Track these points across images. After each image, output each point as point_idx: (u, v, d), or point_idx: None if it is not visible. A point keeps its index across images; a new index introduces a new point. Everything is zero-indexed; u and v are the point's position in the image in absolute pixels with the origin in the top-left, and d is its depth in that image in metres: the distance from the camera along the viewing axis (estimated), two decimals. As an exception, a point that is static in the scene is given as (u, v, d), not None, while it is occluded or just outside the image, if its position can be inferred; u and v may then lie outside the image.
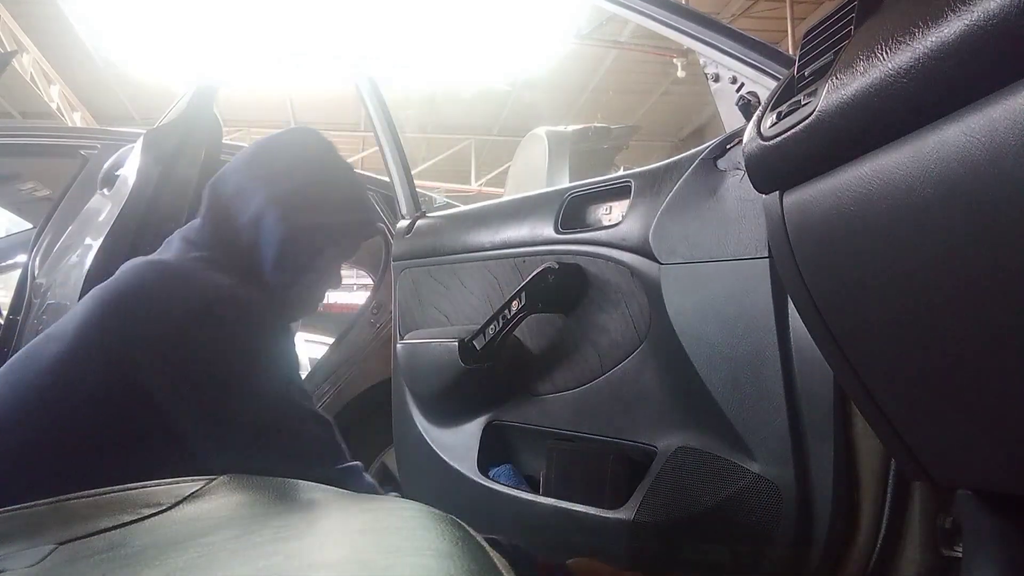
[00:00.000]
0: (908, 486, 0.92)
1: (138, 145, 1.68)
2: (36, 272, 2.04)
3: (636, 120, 8.81)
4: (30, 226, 2.77)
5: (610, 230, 1.25)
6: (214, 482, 0.62)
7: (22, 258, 2.43)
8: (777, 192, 0.77)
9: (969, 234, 0.55)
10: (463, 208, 1.83)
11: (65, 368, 0.95)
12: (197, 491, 0.60)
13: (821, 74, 0.68)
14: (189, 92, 1.81)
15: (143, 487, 0.61)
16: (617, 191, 1.30)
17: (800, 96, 0.70)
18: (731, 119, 1.12)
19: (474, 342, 1.42)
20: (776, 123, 0.73)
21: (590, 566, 1.06)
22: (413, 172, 2.02)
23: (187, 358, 0.96)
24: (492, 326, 1.39)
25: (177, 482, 0.62)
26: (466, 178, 10.37)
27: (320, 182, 1.14)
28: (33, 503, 0.58)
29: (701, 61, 1.17)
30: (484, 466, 1.48)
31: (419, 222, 1.79)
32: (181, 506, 0.57)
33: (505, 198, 1.71)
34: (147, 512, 0.55)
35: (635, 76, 8.52)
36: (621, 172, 1.32)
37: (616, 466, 1.24)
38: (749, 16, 7.32)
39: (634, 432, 1.22)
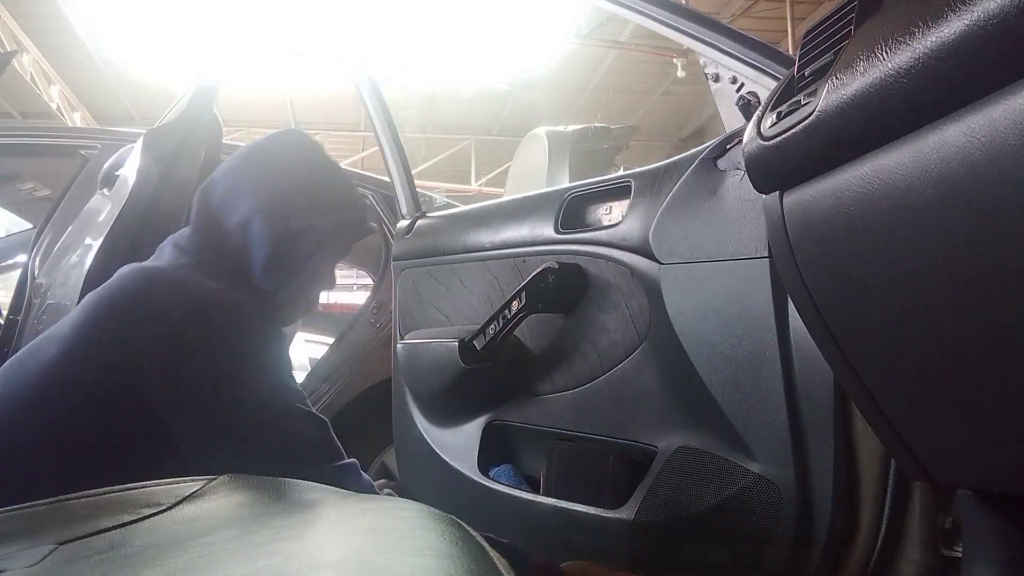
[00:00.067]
0: (908, 486, 0.92)
1: (138, 145, 1.68)
2: (36, 272, 2.04)
3: (636, 120, 8.80)
4: (30, 226, 2.77)
5: (610, 230, 1.25)
6: (214, 482, 0.62)
7: (22, 258, 2.43)
8: (777, 192, 0.77)
9: (969, 234, 0.55)
10: (463, 208, 1.83)
11: (61, 370, 0.95)
12: (197, 491, 0.60)
13: (821, 74, 0.68)
14: (189, 92, 1.81)
15: (143, 487, 0.61)
16: (617, 191, 1.30)
17: (800, 96, 0.70)
18: (731, 119, 1.12)
19: (474, 342, 1.42)
20: (776, 123, 0.73)
21: (585, 568, 1.06)
22: (413, 172, 2.02)
23: (180, 362, 0.97)
24: (492, 326, 1.39)
25: (177, 482, 0.62)
26: (466, 178, 10.37)
27: (308, 184, 1.13)
28: (33, 503, 0.58)
29: (701, 61, 1.17)
30: (484, 466, 1.48)
31: (419, 222, 1.79)
32: (181, 506, 0.57)
33: (505, 198, 1.71)
34: (147, 512, 0.55)
35: (635, 76, 8.52)
36: (621, 172, 1.32)
37: (616, 466, 1.24)
38: (749, 16, 7.32)
39: (634, 432, 1.22)
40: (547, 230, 1.39)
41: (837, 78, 0.63)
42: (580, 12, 6.86)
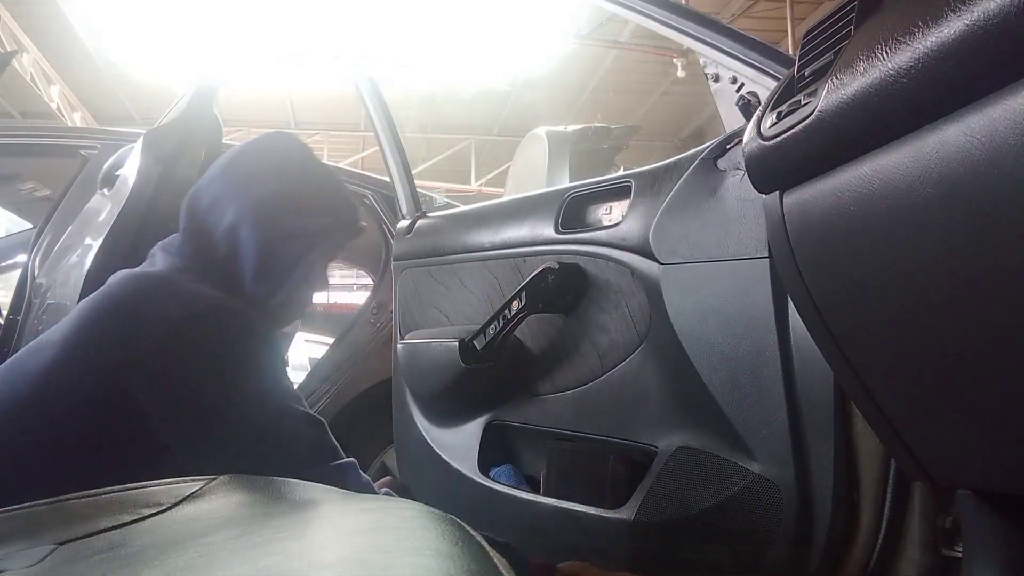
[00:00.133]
0: (908, 486, 0.92)
1: (138, 145, 1.68)
2: (36, 272, 2.04)
3: (636, 120, 8.80)
4: (30, 226, 2.76)
5: (610, 230, 1.25)
6: (214, 482, 0.62)
7: (22, 258, 2.42)
8: (777, 192, 0.77)
9: (969, 234, 0.55)
10: (463, 208, 1.83)
11: (57, 375, 0.95)
12: (197, 491, 0.60)
13: (821, 74, 0.68)
14: (189, 92, 1.81)
15: (143, 487, 0.61)
16: (617, 191, 1.30)
17: (800, 96, 0.70)
18: (731, 119, 1.12)
19: (474, 342, 1.42)
20: (776, 123, 0.73)
21: (581, 569, 1.06)
22: (413, 172, 2.02)
23: (176, 366, 0.97)
24: (492, 326, 1.39)
25: (177, 482, 0.62)
26: (466, 178, 10.37)
27: (293, 187, 1.13)
28: (33, 503, 0.58)
29: (701, 61, 1.17)
30: (484, 466, 1.48)
31: (419, 222, 1.79)
32: (181, 506, 0.57)
33: (505, 198, 1.71)
34: (147, 512, 0.55)
35: (635, 76, 8.52)
36: (621, 172, 1.32)
37: (616, 466, 1.24)
38: (749, 16, 7.32)
39: (634, 432, 1.22)
40: (547, 230, 1.39)
41: (837, 78, 0.63)
42: (580, 12, 6.86)
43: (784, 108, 0.72)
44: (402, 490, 1.53)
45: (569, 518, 1.25)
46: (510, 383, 1.46)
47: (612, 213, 1.32)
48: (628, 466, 1.23)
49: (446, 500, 1.53)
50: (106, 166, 1.86)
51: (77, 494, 0.59)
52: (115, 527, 0.52)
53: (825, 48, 0.71)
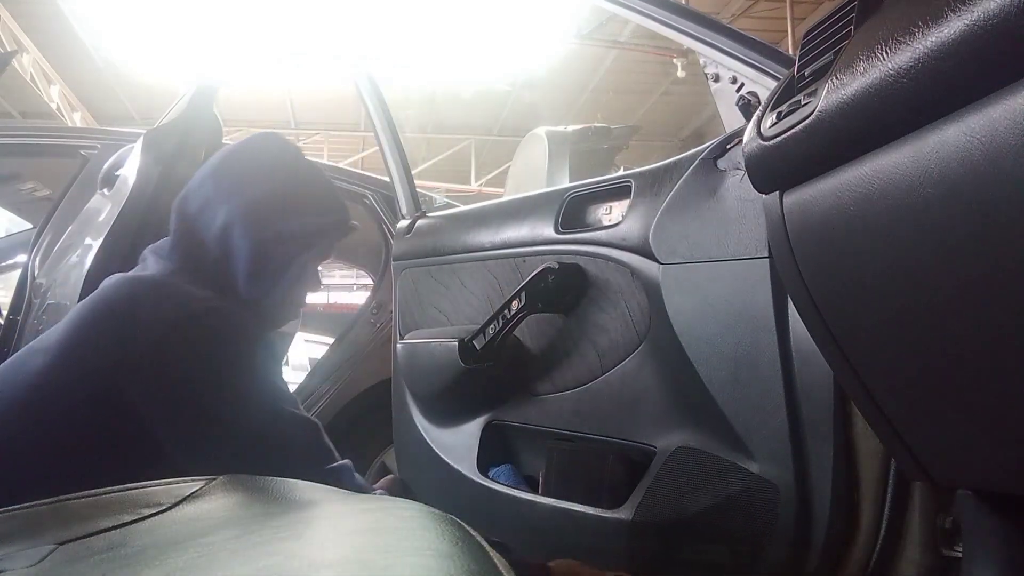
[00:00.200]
0: (908, 486, 0.92)
1: (138, 145, 1.68)
2: (36, 272, 2.04)
3: (636, 120, 8.80)
4: (30, 226, 2.76)
5: (610, 230, 1.25)
6: (214, 482, 0.62)
7: (22, 258, 2.42)
8: (777, 192, 0.77)
9: (969, 234, 0.55)
10: (463, 208, 1.83)
11: (52, 378, 0.95)
12: (197, 491, 0.60)
13: (821, 74, 0.68)
14: (189, 92, 1.81)
15: (143, 487, 0.61)
16: (617, 191, 1.30)
17: (800, 96, 0.70)
18: (731, 119, 1.12)
19: (474, 342, 1.42)
20: (776, 123, 0.73)
21: (571, 567, 1.06)
22: (413, 172, 2.02)
23: (171, 369, 0.97)
24: (492, 326, 1.39)
25: (177, 482, 0.62)
26: (466, 178, 10.37)
27: (284, 188, 1.12)
28: (33, 503, 0.58)
29: (701, 61, 1.17)
30: (484, 466, 1.48)
31: (419, 222, 1.79)
32: (181, 506, 0.57)
33: (505, 198, 1.71)
34: (147, 512, 0.55)
35: (635, 76, 8.52)
36: (621, 172, 1.32)
37: (615, 466, 1.24)
38: (749, 16, 7.32)
39: (633, 432, 1.22)
40: (547, 230, 1.39)
41: (837, 78, 0.63)
42: (580, 12, 6.86)
43: (784, 108, 0.72)
44: (402, 488, 1.53)
45: (567, 518, 1.25)
46: (510, 383, 1.46)
47: (612, 213, 1.32)
48: (627, 466, 1.23)
49: (446, 500, 1.53)
50: (106, 166, 1.86)
51: (77, 494, 0.59)
52: (115, 527, 0.52)
53: (825, 48, 0.71)
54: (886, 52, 0.57)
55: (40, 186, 2.66)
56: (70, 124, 8.23)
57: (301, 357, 5.66)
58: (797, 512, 0.98)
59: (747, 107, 1.08)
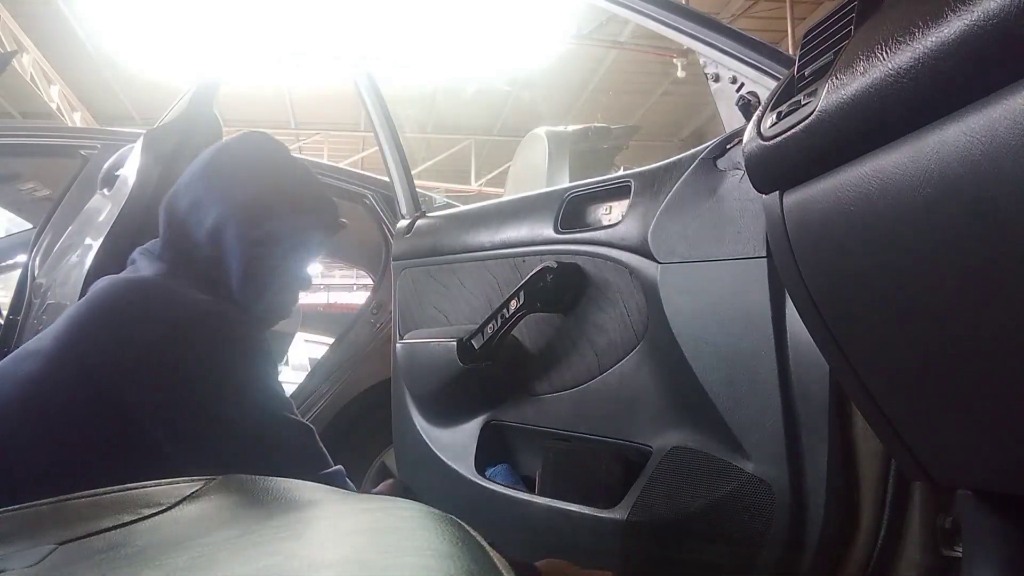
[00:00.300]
0: (908, 486, 0.92)
1: (138, 145, 1.68)
2: (36, 272, 2.03)
3: (636, 120, 8.81)
4: (30, 226, 2.76)
5: (609, 230, 1.25)
6: (214, 482, 0.62)
7: (22, 258, 2.42)
8: (777, 192, 0.77)
9: (969, 234, 0.55)
10: (463, 208, 1.83)
11: (45, 382, 0.94)
12: (197, 491, 0.60)
13: (821, 74, 0.68)
14: (189, 92, 1.81)
15: (143, 487, 0.61)
16: (617, 191, 1.30)
17: (800, 96, 0.70)
18: (731, 119, 1.12)
19: (472, 341, 1.42)
20: (776, 123, 0.73)
21: (558, 566, 1.06)
22: (413, 172, 2.02)
23: (170, 372, 0.96)
24: (490, 325, 1.39)
25: (177, 482, 0.62)
26: (466, 178, 10.37)
27: (274, 188, 1.12)
28: (33, 503, 0.58)
29: (701, 61, 1.17)
30: (482, 466, 1.49)
31: (419, 222, 1.79)
32: (181, 506, 0.57)
33: (505, 198, 1.71)
34: (147, 512, 0.55)
35: (635, 76, 8.53)
36: (621, 172, 1.32)
37: (611, 466, 1.24)
38: (749, 16, 7.32)
39: (630, 432, 1.22)
40: (547, 230, 1.39)
41: (837, 78, 0.63)
42: (580, 12, 6.86)
43: (784, 108, 0.72)
44: (403, 492, 1.52)
45: (562, 518, 1.25)
46: (508, 383, 1.46)
47: (612, 213, 1.32)
48: (623, 466, 1.23)
49: (444, 500, 1.52)
50: (106, 166, 1.86)
51: (77, 494, 0.59)
52: (115, 527, 0.51)
53: (825, 48, 0.71)
54: (886, 52, 0.57)
55: (40, 186, 2.66)
56: (70, 124, 8.23)
57: (301, 357, 5.66)
58: (792, 512, 0.98)
59: (747, 107, 1.08)
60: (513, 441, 1.52)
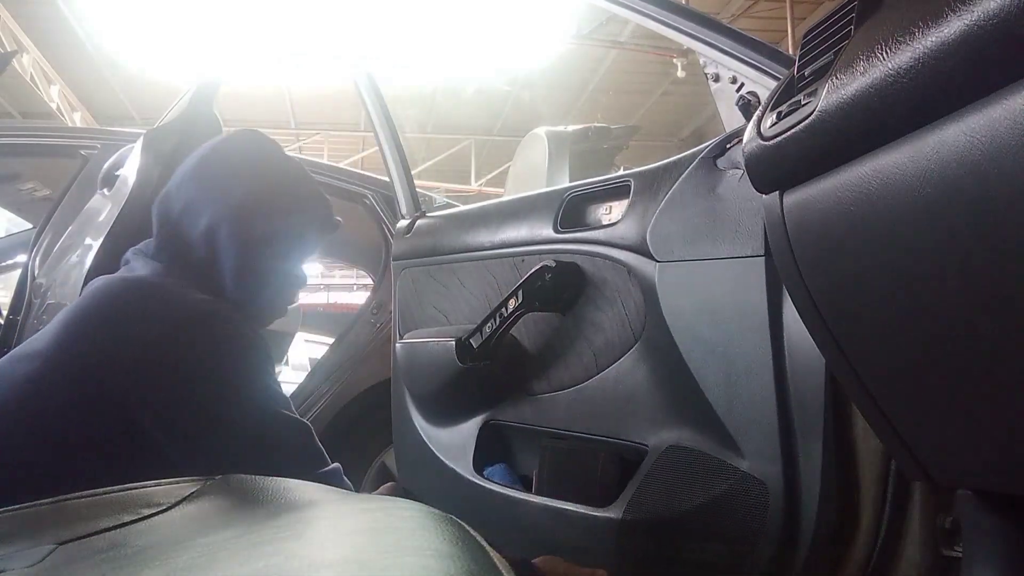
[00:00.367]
0: (908, 486, 0.92)
1: (138, 145, 1.68)
2: (36, 272, 2.03)
3: (636, 120, 8.82)
4: (30, 226, 2.76)
5: (608, 229, 1.25)
6: (214, 482, 0.62)
7: (22, 258, 2.43)
8: (777, 192, 0.77)
9: (969, 234, 0.55)
10: (463, 208, 1.83)
11: (42, 383, 0.94)
12: (197, 491, 0.60)
13: (821, 74, 0.68)
14: (189, 92, 1.81)
15: (143, 487, 0.61)
16: (617, 191, 1.30)
17: (800, 96, 0.70)
18: (731, 119, 1.12)
19: (471, 341, 1.42)
20: (776, 123, 0.73)
21: (555, 563, 1.06)
22: (413, 172, 2.01)
23: (170, 372, 0.96)
24: (489, 325, 1.39)
25: (177, 482, 0.62)
26: (466, 178, 10.37)
27: (268, 188, 1.11)
28: (33, 503, 0.58)
29: (701, 61, 1.17)
30: (480, 465, 1.49)
31: (419, 222, 1.79)
32: (181, 506, 0.57)
33: (505, 198, 1.71)
34: (147, 512, 0.55)
35: (635, 76, 8.53)
36: (621, 172, 1.32)
37: (607, 465, 1.25)
38: (749, 16, 7.33)
39: (627, 431, 1.22)
40: (546, 230, 1.39)
41: (837, 78, 0.63)
42: (580, 12, 6.86)
43: (784, 108, 0.72)
44: (404, 494, 1.53)
45: (558, 516, 1.25)
46: (506, 382, 1.46)
47: (612, 213, 1.32)
48: (618, 465, 1.23)
49: (443, 500, 1.53)
50: (106, 166, 1.86)
51: (77, 494, 0.59)
52: (115, 527, 0.51)
53: (825, 48, 0.71)
54: (886, 52, 0.57)
55: (40, 186, 2.66)
56: (70, 124, 8.23)
57: (301, 357, 5.66)
58: (786, 510, 0.98)
59: (747, 107, 1.08)
60: (511, 440, 1.52)
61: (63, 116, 8.43)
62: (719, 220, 1.05)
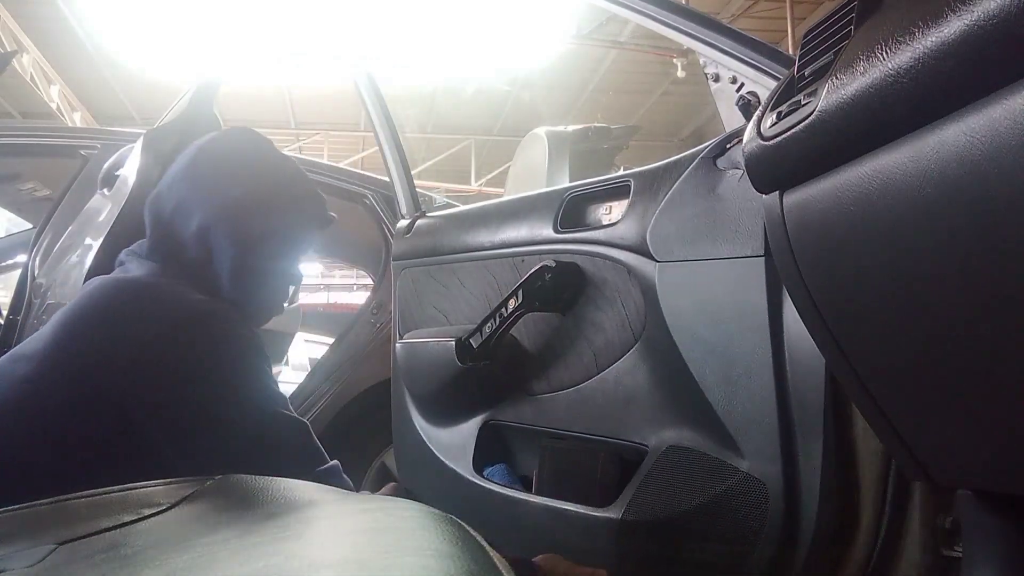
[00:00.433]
0: (908, 486, 0.92)
1: (138, 145, 1.68)
2: (36, 272, 2.03)
3: (636, 120, 8.82)
4: (30, 226, 2.76)
5: (608, 229, 1.25)
6: (214, 482, 0.62)
7: (22, 258, 2.43)
8: (777, 192, 0.77)
9: (969, 234, 0.55)
10: (463, 208, 1.83)
11: (40, 384, 0.94)
12: (197, 491, 0.60)
13: (821, 74, 0.68)
14: (189, 92, 1.81)
15: (143, 487, 0.61)
16: (617, 191, 1.30)
17: (800, 96, 0.70)
18: (731, 119, 1.12)
19: (471, 341, 1.42)
20: (776, 123, 0.73)
21: (555, 562, 1.06)
22: (413, 172, 2.02)
23: (165, 374, 0.96)
24: (488, 325, 1.39)
25: (177, 482, 0.62)
26: (466, 178, 10.38)
27: (262, 186, 1.11)
28: (33, 503, 0.58)
29: (701, 61, 1.17)
30: (480, 465, 1.49)
31: (419, 222, 1.79)
32: (181, 506, 0.57)
33: (505, 198, 1.71)
34: (147, 512, 0.55)
35: (635, 76, 8.53)
36: (621, 172, 1.32)
37: (606, 465, 1.25)
38: (749, 16, 7.33)
39: (627, 431, 1.22)
40: (546, 230, 1.39)
41: (837, 78, 0.63)
42: (580, 12, 6.86)
43: (784, 108, 0.72)
44: (405, 495, 1.52)
45: (558, 516, 1.25)
46: (506, 383, 1.46)
47: (612, 213, 1.32)
48: (618, 465, 1.23)
49: (443, 500, 1.53)
50: (106, 166, 1.86)
51: (77, 494, 0.59)
52: (115, 527, 0.51)
53: (825, 48, 0.71)
54: (886, 52, 0.57)
55: (40, 186, 2.66)
56: (70, 124, 8.23)
57: (301, 357, 5.66)
58: (786, 510, 0.98)
59: (747, 107, 1.08)
60: (511, 441, 1.52)
61: (63, 116, 8.43)
62: (719, 220, 1.05)
